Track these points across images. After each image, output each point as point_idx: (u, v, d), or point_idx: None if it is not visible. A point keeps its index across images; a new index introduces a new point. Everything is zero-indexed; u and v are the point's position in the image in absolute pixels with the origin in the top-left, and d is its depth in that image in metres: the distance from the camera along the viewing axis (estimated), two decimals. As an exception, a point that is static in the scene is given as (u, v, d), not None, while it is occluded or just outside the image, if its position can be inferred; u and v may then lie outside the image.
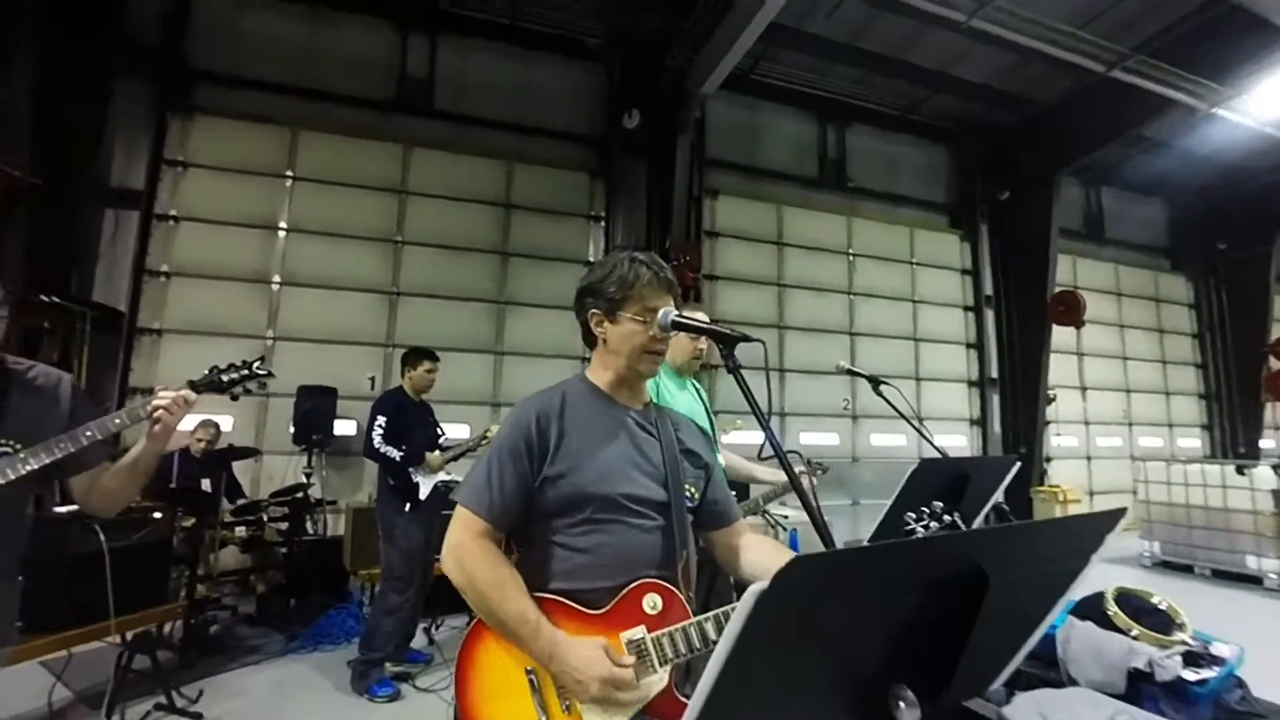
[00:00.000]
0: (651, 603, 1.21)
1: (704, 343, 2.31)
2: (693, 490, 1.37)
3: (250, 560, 4.85)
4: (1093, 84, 7.63)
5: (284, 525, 4.98)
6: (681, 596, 1.24)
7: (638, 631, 1.19)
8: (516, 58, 7.52)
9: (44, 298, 5.22)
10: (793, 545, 4.48)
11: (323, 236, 6.58)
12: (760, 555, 1.37)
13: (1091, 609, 2.62)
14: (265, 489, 5.80)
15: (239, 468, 5.36)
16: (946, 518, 1.23)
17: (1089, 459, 10.20)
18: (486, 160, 7.28)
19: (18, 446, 1.36)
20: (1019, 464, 1.86)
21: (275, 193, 6.49)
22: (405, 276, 6.84)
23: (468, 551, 1.21)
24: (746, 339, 1.23)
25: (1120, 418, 10.65)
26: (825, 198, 8.95)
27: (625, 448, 1.31)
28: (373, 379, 6.15)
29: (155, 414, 1.42)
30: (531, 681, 1.16)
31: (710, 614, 1.19)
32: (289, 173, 6.54)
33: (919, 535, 1.23)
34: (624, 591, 1.22)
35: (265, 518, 4.97)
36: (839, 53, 7.94)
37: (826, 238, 8.84)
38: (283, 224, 6.47)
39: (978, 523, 1.90)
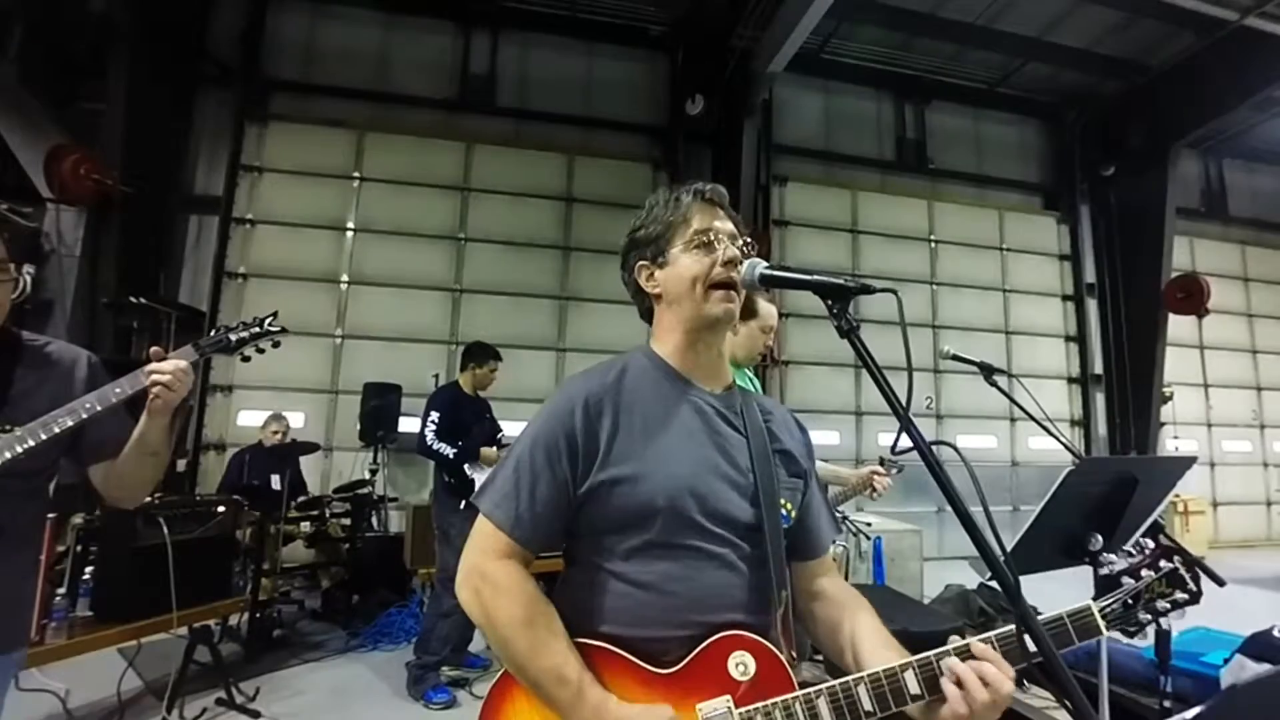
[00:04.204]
0: (740, 664, 0.89)
1: (773, 336, 2.01)
2: (789, 507, 1.04)
3: (316, 555, 4.89)
4: (1219, 39, 6.75)
5: (346, 521, 5.01)
6: (782, 657, 0.92)
7: (720, 704, 0.87)
8: (577, 50, 7.42)
9: (134, 299, 5.49)
10: (877, 556, 4.07)
11: (388, 236, 6.66)
12: (864, 629, 0.99)
13: (1269, 648, 2.14)
14: (334, 484, 5.88)
15: (309, 463, 5.43)
16: (1165, 564, 0.84)
17: (1212, 465, 9.08)
18: (548, 155, 7.20)
19: (10, 427, 1.24)
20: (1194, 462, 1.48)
21: (344, 194, 6.63)
22: (468, 274, 6.84)
23: (487, 580, 0.92)
24: (868, 290, 0.93)
25: (1250, 419, 9.43)
26: (904, 181, 8.39)
27: (704, 446, 0.99)
28: (436, 376, 6.13)
29: (153, 386, 1.29)
30: None
31: (822, 687, 0.87)
32: (356, 174, 6.66)
33: (1128, 585, 0.86)
34: (703, 645, 0.90)
35: (328, 513, 5.00)
36: (918, 24, 7.40)
37: (906, 224, 8.26)
38: (350, 225, 6.59)
39: (1137, 535, 1.54)
